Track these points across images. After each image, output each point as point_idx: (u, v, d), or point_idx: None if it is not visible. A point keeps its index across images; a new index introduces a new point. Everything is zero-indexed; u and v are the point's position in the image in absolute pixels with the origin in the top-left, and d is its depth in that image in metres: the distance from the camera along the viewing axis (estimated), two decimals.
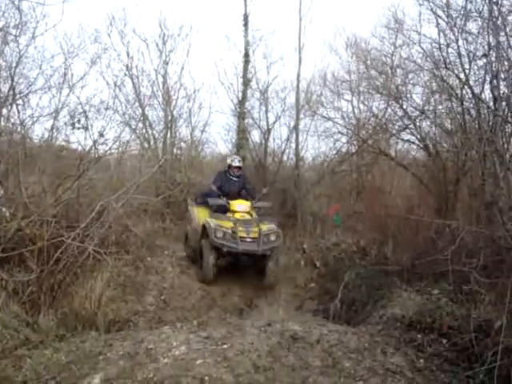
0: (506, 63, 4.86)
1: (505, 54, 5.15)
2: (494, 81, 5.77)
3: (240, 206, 8.98)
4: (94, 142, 7.02)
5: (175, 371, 3.61)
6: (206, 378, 3.52)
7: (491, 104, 6.09)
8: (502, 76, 5.38)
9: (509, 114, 5.28)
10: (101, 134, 7.04)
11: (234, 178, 9.56)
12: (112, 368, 3.81)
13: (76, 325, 5.40)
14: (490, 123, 6.08)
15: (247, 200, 9.22)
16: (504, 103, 4.98)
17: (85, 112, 7.16)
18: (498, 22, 5.02)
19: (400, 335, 4.88)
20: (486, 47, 6.31)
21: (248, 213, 8.93)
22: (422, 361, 4.27)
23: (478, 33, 6.83)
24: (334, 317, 6.45)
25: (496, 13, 5.27)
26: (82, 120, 7.14)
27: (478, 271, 4.86)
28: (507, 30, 5.17)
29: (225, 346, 4.00)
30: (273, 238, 8.43)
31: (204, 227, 8.50)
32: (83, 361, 4.04)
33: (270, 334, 4.28)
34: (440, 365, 4.29)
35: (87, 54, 8.92)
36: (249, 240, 8.27)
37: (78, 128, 7.14)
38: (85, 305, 5.78)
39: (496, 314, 4.07)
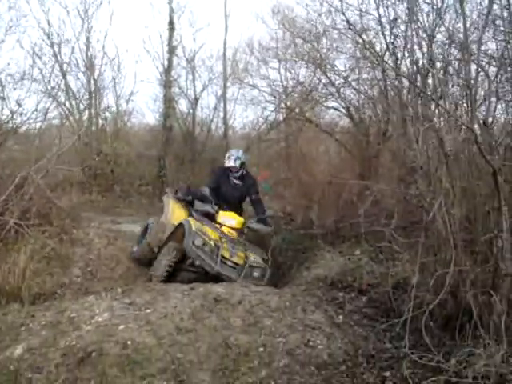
0: (420, 32, 5.02)
1: (420, 22, 5.30)
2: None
3: (229, 219, 7.24)
4: (12, 112, 6.82)
5: (98, 337, 3.64)
6: (129, 342, 3.57)
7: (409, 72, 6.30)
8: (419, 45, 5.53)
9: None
10: (18, 104, 6.85)
11: (236, 181, 7.81)
12: (34, 338, 3.80)
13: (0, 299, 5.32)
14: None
15: (241, 215, 7.61)
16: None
17: (1, 82, 6.91)
18: None
19: (322, 294, 5.07)
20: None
21: (235, 231, 7.21)
22: (341, 317, 4.46)
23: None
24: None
25: None
26: None
27: (397, 231, 5.03)
28: None
29: (148, 311, 4.05)
30: (256, 274, 6.62)
31: (178, 227, 6.89)
32: (5, 332, 4.01)
33: (193, 297, 4.36)
34: (359, 320, 4.50)
35: (3, 21, 8.54)
36: (229, 264, 6.56)
37: None
38: (8, 279, 5.67)
39: (413, 271, 4.26)
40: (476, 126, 3.89)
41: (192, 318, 3.98)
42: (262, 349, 3.67)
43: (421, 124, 4.19)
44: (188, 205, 7.65)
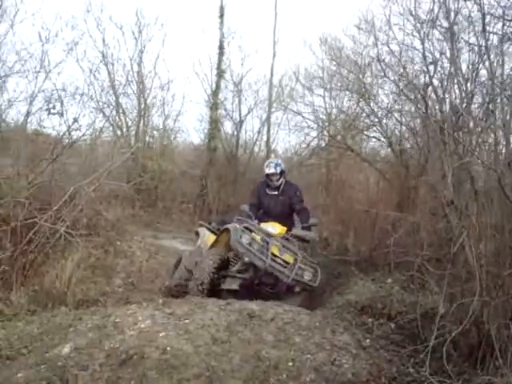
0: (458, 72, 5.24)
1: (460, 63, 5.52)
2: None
3: (269, 228, 6.84)
4: (68, 127, 7.25)
5: (140, 342, 3.92)
6: (168, 348, 3.84)
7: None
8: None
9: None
10: (75, 120, 7.26)
11: (274, 192, 7.42)
12: (81, 339, 4.09)
13: (47, 302, 5.66)
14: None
15: (285, 225, 7.04)
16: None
17: (60, 98, 7.36)
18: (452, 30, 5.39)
19: (352, 318, 5.25)
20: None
21: None
22: (368, 340, 4.64)
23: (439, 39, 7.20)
24: None
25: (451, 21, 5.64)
26: (57, 106, 7.33)
27: (430, 263, 5.18)
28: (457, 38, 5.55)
29: (186, 321, 4.31)
30: (307, 276, 6.40)
31: (222, 232, 6.79)
32: (54, 332, 4.31)
33: (229, 311, 4.61)
34: (385, 345, 4.66)
35: (64, 41, 9.05)
36: (280, 261, 6.33)
37: (53, 113, 7.33)
38: (55, 284, 6.00)
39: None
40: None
41: (227, 331, 4.23)
42: (290, 363, 3.89)
43: (453, 160, 4.39)
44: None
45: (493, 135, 4.41)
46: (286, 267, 6.32)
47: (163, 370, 3.63)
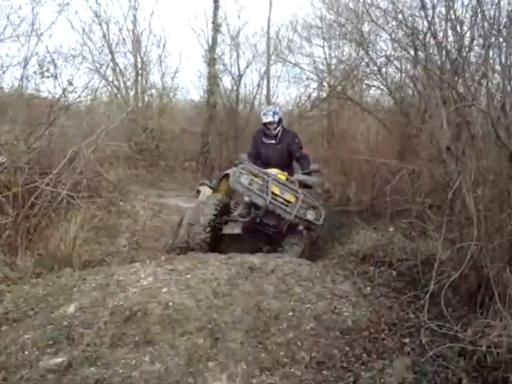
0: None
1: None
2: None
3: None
4: (64, 90, 7.21)
5: (143, 298, 3.99)
6: (170, 303, 3.91)
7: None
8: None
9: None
10: (70, 83, 7.23)
11: (271, 141, 7.30)
12: (85, 298, 4.17)
13: (52, 265, 5.73)
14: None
15: (284, 170, 7.01)
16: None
17: (53, 61, 7.29)
18: None
19: (353, 268, 5.30)
20: None
21: None
22: (368, 288, 4.71)
23: None
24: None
25: None
26: (51, 69, 7.28)
27: (432, 209, 5.20)
28: None
29: (188, 276, 4.38)
30: (311, 215, 6.32)
31: (223, 178, 6.94)
32: (59, 293, 4.39)
33: (230, 265, 4.67)
34: (386, 292, 4.73)
35: (55, 2, 8.90)
36: (281, 200, 6.22)
37: (47, 77, 7.29)
38: (60, 246, 6.05)
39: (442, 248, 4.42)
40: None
41: (228, 284, 4.30)
42: (291, 313, 3.97)
43: (449, 106, 4.36)
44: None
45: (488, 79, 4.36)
46: (287, 206, 6.21)
47: (166, 325, 3.71)
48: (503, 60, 4.38)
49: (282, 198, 6.28)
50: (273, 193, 6.20)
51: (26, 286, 4.76)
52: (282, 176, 6.76)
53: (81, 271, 5.21)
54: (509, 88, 4.13)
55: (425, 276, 4.56)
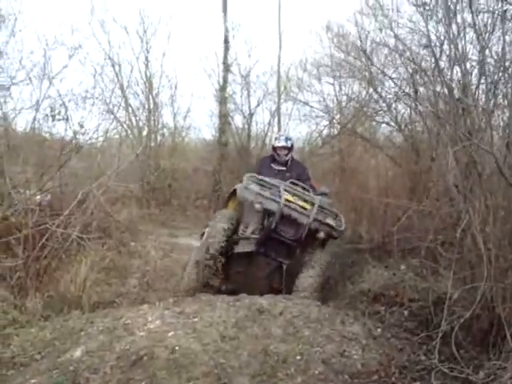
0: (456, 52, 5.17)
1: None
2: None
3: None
4: (74, 132, 7.31)
5: (149, 342, 3.96)
6: (177, 347, 3.87)
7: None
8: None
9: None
10: (81, 125, 7.33)
11: (280, 167, 6.97)
12: (92, 342, 4.14)
13: (61, 307, 5.72)
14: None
15: None
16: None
17: (64, 104, 7.40)
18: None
19: (364, 308, 5.26)
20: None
21: None
22: (379, 330, 4.64)
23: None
24: None
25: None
26: (62, 111, 7.38)
27: (444, 247, 5.15)
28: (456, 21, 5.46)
29: (195, 319, 4.35)
30: (330, 220, 5.94)
31: (230, 196, 6.60)
32: (66, 337, 4.37)
33: (237, 307, 4.63)
34: (397, 333, 4.66)
35: (66, 46, 9.07)
36: (293, 207, 5.78)
37: (59, 119, 7.40)
38: (70, 288, 6.05)
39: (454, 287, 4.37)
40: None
41: (235, 327, 4.26)
42: (299, 357, 3.91)
43: (454, 144, 4.36)
44: None
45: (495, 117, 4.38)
46: (302, 214, 5.78)
47: (172, 370, 3.66)
48: (509, 97, 4.40)
49: (296, 204, 5.85)
50: (286, 199, 5.79)
51: (33, 329, 4.74)
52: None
53: (89, 314, 5.19)
54: None
55: (436, 316, 4.49)
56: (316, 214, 5.82)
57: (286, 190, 5.99)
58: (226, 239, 5.89)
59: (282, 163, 6.99)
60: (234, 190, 6.28)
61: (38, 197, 6.83)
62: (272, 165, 6.99)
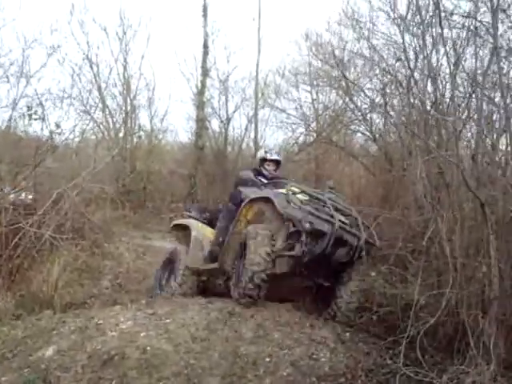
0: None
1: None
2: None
3: None
4: (51, 132, 7.31)
5: (121, 342, 4.01)
6: (148, 348, 3.93)
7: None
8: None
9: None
10: (57, 125, 7.32)
11: (266, 181, 6.27)
12: (64, 341, 4.18)
13: (33, 307, 5.72)
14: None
15: None
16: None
17: (41, 103, 7.40)
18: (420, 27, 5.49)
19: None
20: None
21: None
22: (347, 334, 4.75)
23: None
24: None
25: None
26: (39, 111, 7.38)
27: (414, 256, 5.27)
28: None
29: (167, 321, 4.41)
30: (370, 237, 5.26)
31: (250, 204, 5.48)
32: (38, 336, 4.39)
33: (209, 310, 4.70)
34: (365, 338, 4.79)
35: (45, 45, 9.04)
36: (343, 227, 5.01)
37: (35, 119, 7.39)
38: (42, 288, 6.06)
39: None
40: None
41: (207, 329, 4.32)
42: (268, 359, 3.99)
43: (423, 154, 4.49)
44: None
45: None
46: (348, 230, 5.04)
47: (143, 370, 3.72)
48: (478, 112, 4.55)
49: (340, 220, 5.05)
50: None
51: (5, 327, 4.76)
52: None
53: (61, 314, 5.20)
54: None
55: (404, 322, 4.57)
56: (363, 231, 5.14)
57: (330, 199, 5.33)
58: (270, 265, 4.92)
59: (267, 178, 6.33)
60: (252, 199, 5.50)
61: (12, 195, 6.80)
62: (260, 178, 6.31)
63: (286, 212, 4.94)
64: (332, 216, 4.93)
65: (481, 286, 3.96)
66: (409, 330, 3.97)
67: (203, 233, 6.47)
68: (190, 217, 6.90)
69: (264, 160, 6.43)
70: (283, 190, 5.31)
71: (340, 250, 5.03)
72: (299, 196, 5.22)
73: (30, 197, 7.04)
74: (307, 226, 4.79)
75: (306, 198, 5.28)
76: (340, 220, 4.98)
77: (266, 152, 6.54)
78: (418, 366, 3.84)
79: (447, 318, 4.22)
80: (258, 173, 6.38)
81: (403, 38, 8.45)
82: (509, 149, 4.01)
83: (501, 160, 4.15)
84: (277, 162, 6.49)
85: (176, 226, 7.12)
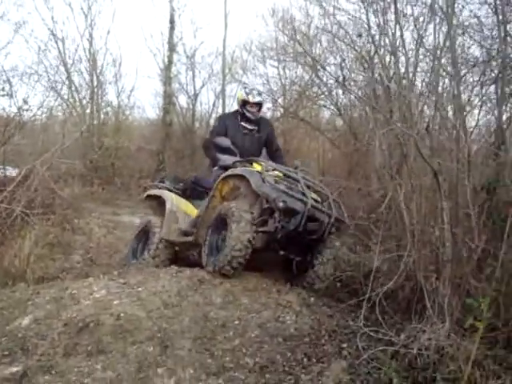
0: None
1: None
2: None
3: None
4: (19, 108, 7.33)
5: (95, 310, 4.15)
6: (122, 314, 4.08)
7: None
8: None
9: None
10: (25, 101, 7.34)
11: (251, 126, 6.14)
12: (40, 311, 4.29)
13: (6, 281, 5.82)
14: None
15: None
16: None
17: (8, 80, 7.41)
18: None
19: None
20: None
21: None
22: (312, 298, 4.99)
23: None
24: None
25: None
26: (6, 88, 7.38)
27: (377, 225, 5.48)
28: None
29: (139, 289, 4.56)
30: (340, 215, 5.44)
31: (225, 180, 5.50)
32: (14, 306, 4.49)
33: (180, 278, 4.87)
34: (329, 302, 5.06)
35: (11, 21, 8.99)
36: (316, 205, 5.20)
37: (3, 95, 7.39)
38: (14, 263, 6.14)
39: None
40: None
41: (178, 296, 4.50)
42: (237, 322, 4.20)
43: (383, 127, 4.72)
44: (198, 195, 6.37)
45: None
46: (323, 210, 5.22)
47: (117, 335, 3.88)
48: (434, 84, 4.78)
49: (313, 199, 5.25)
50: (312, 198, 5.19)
51: None
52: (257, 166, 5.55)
53: (35, 286, 5.31)
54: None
55: (366, 286, 4.81)
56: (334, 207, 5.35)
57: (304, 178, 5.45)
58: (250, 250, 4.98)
59: (253, 121, 6.15)
60: (226, 176, 5.52)
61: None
62: (242, 123, 6.12)
63: (260, 190, 5.00)
64: (305, 194, 5.09)
65: (435, 250, 4.20)
66: (369, 293, 4.20)
67: (177, 204, 6.36)
68: (163, 188, 6.72)
69: (246, 102, 6.08)
70: (258, 168, 5.35)
71: (312, 227, 5.17)
72: (273, 173, 5.29)
73: (16, 170, 7.01)
74: (281, 204, 4.89)
75: (281, 175, 5.35)
76: (312, 198, 5.16)
77: (247, 94, 6.13)
78: (378, 327, 4.07)
79: (406, 281, 4.47)
80: (242, 116, 6.13)
81: (367, 15, 8.71)
82: (458, 120, 4.24)
83: (452, 130, 4.38)
84: (259, 104, 6.19)
85: (149, 196, 6.93)
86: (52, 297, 4.56)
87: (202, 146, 6.74)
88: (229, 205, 5.20)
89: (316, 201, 5.28)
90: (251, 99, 6.04)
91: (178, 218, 6.25)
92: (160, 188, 6.77)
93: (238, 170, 5.43)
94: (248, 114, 6.06)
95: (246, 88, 6.38)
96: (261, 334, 4.10)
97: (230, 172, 5.49)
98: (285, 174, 5.41)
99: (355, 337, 4.13)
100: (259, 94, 6.30)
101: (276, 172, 5.39)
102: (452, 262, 4.01)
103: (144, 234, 6.55)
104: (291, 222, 5.05)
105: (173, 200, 6.39)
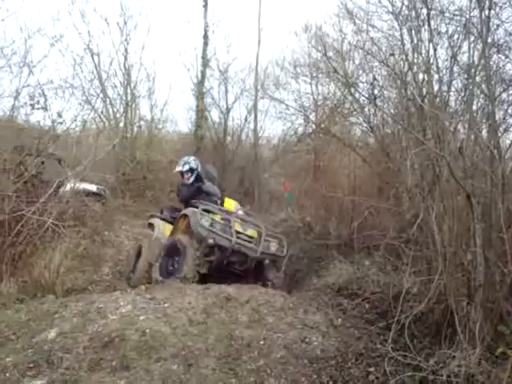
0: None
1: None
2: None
3: (236, 205, 7.39)
4: (53, 121, 7.42)
5: (121, 325, 4.16)
6: (147, 330, 4.08)
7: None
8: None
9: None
10: (59, 114, 7.42)
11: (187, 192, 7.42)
12: (66, 324, 4.32)
13: (35, 292, 5.86)
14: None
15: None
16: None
17: (43, 93, 7.50)
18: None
19: (328, 299, 5.53)
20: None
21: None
22: (340, 320, 4.91)
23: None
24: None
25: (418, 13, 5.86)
26: (41, 101, 7.47)
27: (408, 245, 5.39)
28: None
29: (166, 305, 4.57)
30: (273, 247, 6.72)
31: (180, 218, 6.87)
32: (41, 319, 4.53)
33: (206, 295, 4.87)
34: (356, 323, 4.95)
35: (47, 35, 9.13)
36: (244, 238, 6.51)
37: (37, 109, 7.49)
38: (44, 274, 6.17)
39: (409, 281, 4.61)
40: None
41: (204, 313, 4.49)
42: (262, 342, 4.16)
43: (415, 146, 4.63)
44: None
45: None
46: (251, 242, 6.52)
47: (142, 351, 3.88)
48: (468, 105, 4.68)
49: (244, 234, 6.58)
50: (236, 231, 6.45)
51: (9, 311, 4.89)
52: (230, 206, 7.22)
53: (63, 298, 5.35)
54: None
55: (395, 309, 4.71)
56: (262, 244, 6.54)
57: (237, 217, 6.76)
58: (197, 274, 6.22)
59: (188, 186, 7.36)
60: (183, 214, 6.78)
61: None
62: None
63: (195, 230, 6.28)
64: (231, 234, 6.28)
65: (467, 273, 4.09)
66: (398, 316, 4.10)
67: (163, 231, 7.36)
68: (158, 217, 7.86)
69: (180, 173, 7.45)
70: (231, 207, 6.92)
71: (237, 258, 6.44)
72: (212, 216, 6.47)
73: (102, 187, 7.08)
74: (210, 241, 6.17)
75: (219, 216, 6.57)
76: (241, 237, 6.40)
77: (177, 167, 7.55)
78: (407, 351, 3.98)
79: (436, 304, 4.36)
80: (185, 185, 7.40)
81: (401, 32, 8.61)
82: (492, 141, 4.13)
83: (486, 152, 4.28)
84: (186, 172, 7.36)
85: (149, 223, 8.09)
86: (79, 310, 4.59)
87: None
88: (186, 240, 6.39)
89: (245, 239, 6.49)
90: (178, 169, 7.50)
91: (161, 243, 7.08)
92: (157, 217, 7.91)
93: (186, 211, 6.76)
94: (186, 181, 7.39)
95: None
96: (286, 354, 4.04)
97: (184, 211, 6.80)
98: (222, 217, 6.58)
99: (383, 361, 4.03)
100: (184, 163, 7.42)
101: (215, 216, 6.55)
102: (484, 286, 3.92)
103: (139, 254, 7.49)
104: (216, 255, 6.33)
105: (159, 228, 7.49)
